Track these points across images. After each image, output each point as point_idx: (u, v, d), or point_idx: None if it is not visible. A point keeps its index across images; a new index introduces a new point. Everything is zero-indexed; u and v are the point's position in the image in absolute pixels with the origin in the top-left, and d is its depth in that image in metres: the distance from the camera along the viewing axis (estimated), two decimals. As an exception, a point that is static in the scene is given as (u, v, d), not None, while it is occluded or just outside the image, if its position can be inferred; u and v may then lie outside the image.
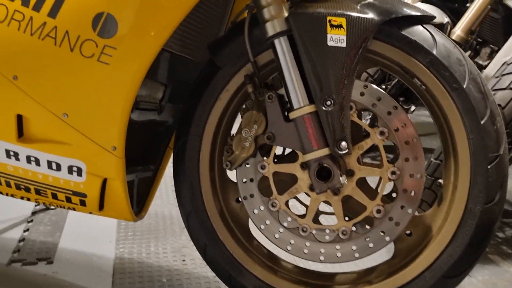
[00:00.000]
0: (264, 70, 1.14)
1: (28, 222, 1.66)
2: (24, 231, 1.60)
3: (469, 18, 2.25)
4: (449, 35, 2.27)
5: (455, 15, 2.74)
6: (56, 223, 1.67)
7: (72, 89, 1.02)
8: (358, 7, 1.04)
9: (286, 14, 1.02)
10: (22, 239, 1.55)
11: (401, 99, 2.42)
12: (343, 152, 1.02)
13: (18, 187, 1.17)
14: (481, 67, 2.49)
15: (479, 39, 2.55)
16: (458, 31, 2.26)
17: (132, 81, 1.01)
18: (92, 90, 1.02)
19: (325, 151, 1.03)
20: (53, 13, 0.97)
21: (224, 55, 1.12)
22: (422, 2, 2.34)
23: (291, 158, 1.14)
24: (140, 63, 1.00)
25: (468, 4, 2.70)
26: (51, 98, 1.03)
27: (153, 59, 1.00)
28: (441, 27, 2.15)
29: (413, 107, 2.39)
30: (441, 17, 2.21)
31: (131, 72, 1.00)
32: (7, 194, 1.22)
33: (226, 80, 1.14)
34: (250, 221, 1.19)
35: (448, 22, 2.22)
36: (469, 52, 2.52)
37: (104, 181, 1.13)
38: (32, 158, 1.11)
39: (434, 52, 1.04)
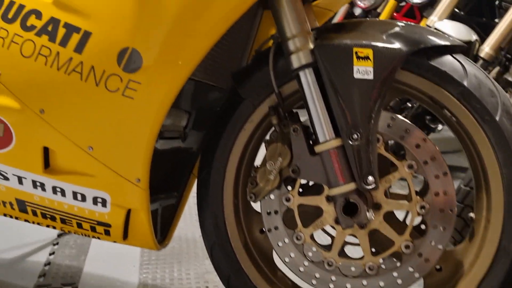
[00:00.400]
0: (289, 100, 1.12)
1: (54, 244, 1.68)
2: (50, 254, 1.61)
3: (498, 35, 2.19)
4: (477, 53, 2.21)
5: (483, 30, 2.68)
6: (81, 245, 1.68)
7: (97, 123, 1.03)
8: (385, 37, 1.02)
9: (311, 46, 1.01)
10: (47, 263, 1.56)
11: (427, 117, 2.37)
12: (370, 187, 1.00)
13: (44, 216, 1.18)
14: (511, 84, 2.42)
15: (508, 55, 2.48)
16: (487, 48, 2.20)
17: (157, 115, 1.01)
18: (116, 124, 1.02)
19: (351, 186, 1.00)
20: (79, 48, 0.98)
21: (248, 86, 1.11)
22: (449, 19, 2.29)
23: (317, 189, 1.12)
24: (164, 96, 1.00)
25: (496, 20, 2.64)
26: (77, 132, 1.04)
27: (178, 91, 1.00)
28: (469, 45, 2.10)
29: (440, 126, 2.34)
30: (469, 34, 2.16)
31: (156, 105, 1.00)
32: (33, 222, 1.23)
33: (250, 110, 1.13)
34: (274, 251, 1.17)
35: (476, 40, 2.16)
36: (497, 69, 2.46)
37: (128, 212, 1.13)
38: (58, 189, 1.12)
39: (465, 83, 1.01)
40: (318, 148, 1.02)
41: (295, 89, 1.09)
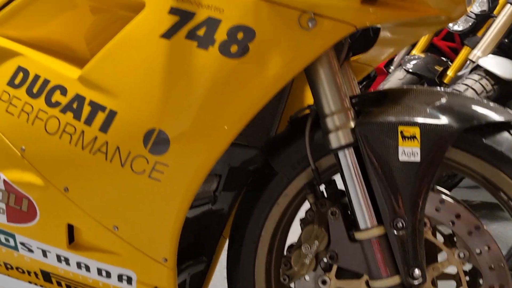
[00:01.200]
0: (327, 172, 1.05)
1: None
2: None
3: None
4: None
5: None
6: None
7: (123, 203, 0.97)
8: (433, 111, 0.93)
9: (352, 125, 0.93)
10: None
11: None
12: (417, 281, 0.90)
13: (68, 287, 1.14)
14: None
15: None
16: (537, 85, 2.07)
17: (185, 196, 0.95)
18: (143, 205, 0.97)
19: (395, 280, 0.91)
20: (104, 128, 0.93)
21: (282, 159, 1.04)
22: (493, 54, 2.16)
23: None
24: (192, 178, 0.93)
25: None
26: (102, 211, 0.99)
27: (207, 172, 0.94)
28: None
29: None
30: (517, 71, 2.03)
31: (183, 188, 0.94)
32: (58, 291, 1.19)
33: (284, 184, 1.05)
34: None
35: (524, 77, 2.03)
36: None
37: (155, 288, 1.07)
38: (82, 264, 1.07)
39: (525, 165, 0.91)
40: (358, 236, 0.93)
41: (334, 163, 1.01)
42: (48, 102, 0.97)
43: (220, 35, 0.85)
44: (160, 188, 0.93)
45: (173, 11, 0.87)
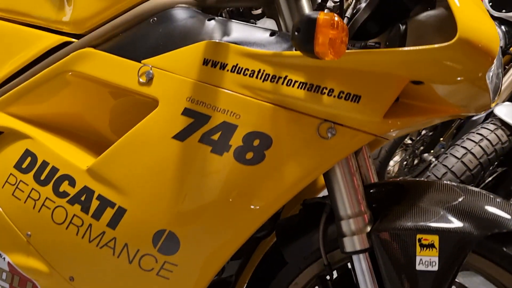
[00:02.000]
0: (340, 262, 1.02)
1: None
2: None
3: None
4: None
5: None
6: None
7: (129, 297, 0.95)
8: (451, 216, 0.89)
9: (368, 229, 0.90)
10: None
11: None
12: None
13: None
14: None
15: None
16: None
17: (194, 289, 0.92)
18: (149, 299, 0.94)
19: None
20: (112, 224, 0.90)
21: (294, 249, 1.01)
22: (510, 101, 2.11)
23: None
24: (201, 278, 0.90)
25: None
26: (107, 302, 0.97)
27: (217, 271, 0.91)
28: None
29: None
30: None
31: (192, 284, 0.91)
32: None
33: (295, 273, 1.03)
34: None
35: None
36: None
37: None
38: None
39: (548, 280, 0.88)
40: None
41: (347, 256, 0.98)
42: (56, 191, 0.94)
43: (236, 141, 0.82)
44: (168, 285, 0.91)
45: (187, 112, 0.84)
